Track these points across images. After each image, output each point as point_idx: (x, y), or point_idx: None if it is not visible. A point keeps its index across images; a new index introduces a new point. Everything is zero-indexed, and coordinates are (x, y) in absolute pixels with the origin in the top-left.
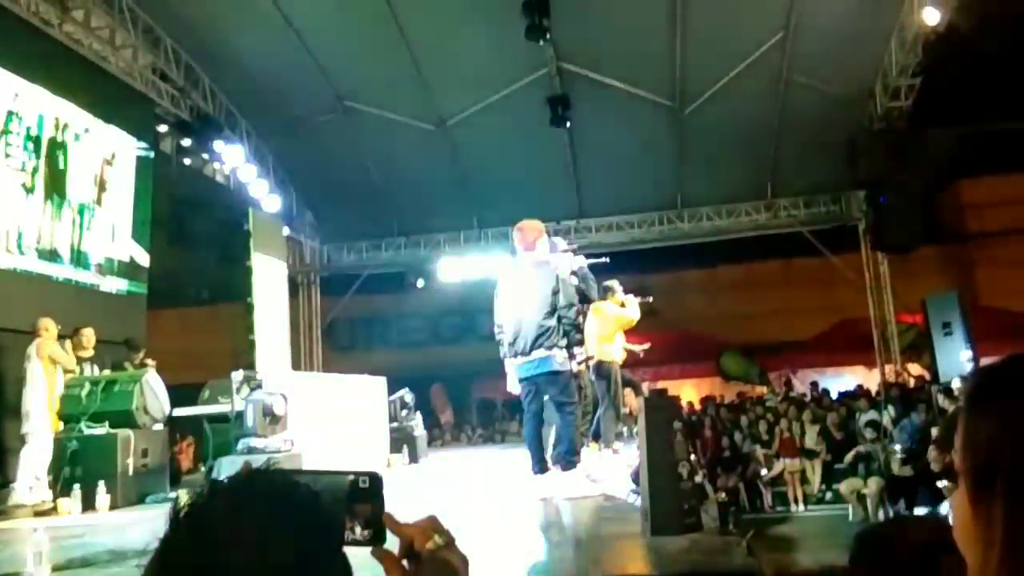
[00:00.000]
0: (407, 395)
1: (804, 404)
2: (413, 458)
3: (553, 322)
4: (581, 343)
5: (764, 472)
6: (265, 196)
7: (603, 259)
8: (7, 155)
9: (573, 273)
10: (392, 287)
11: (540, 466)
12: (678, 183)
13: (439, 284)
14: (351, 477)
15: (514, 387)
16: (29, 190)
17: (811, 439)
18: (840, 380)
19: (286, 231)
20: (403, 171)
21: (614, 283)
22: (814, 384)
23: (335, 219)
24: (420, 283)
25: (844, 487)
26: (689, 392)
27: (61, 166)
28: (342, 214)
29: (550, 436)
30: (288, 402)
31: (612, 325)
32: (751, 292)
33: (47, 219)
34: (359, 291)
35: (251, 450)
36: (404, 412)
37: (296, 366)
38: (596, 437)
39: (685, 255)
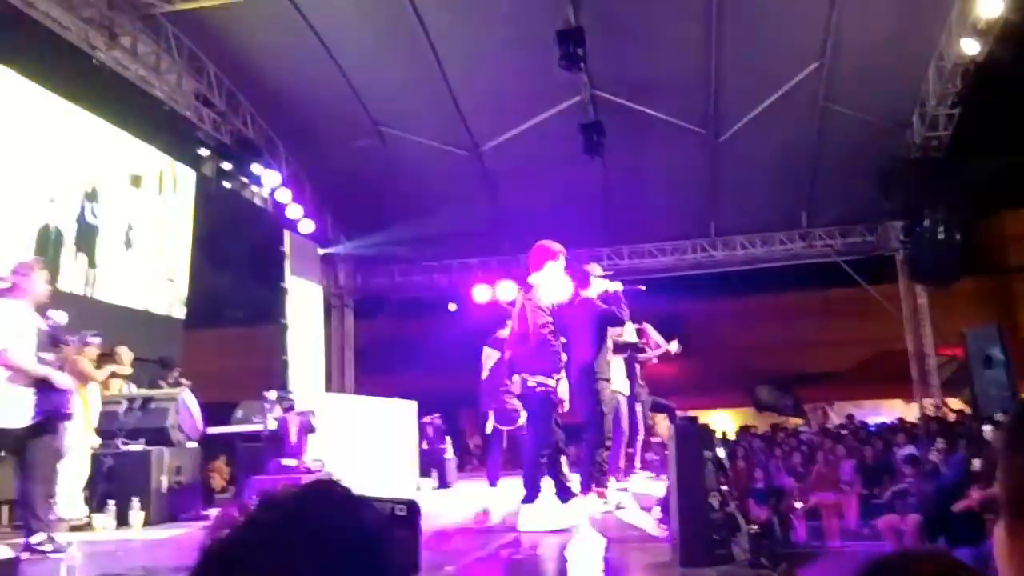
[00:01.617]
0: (437, 419)
1: (840, 437)
2: (443, 482)
3: (529, 346)
4: (557, 370)
5: (798, 505)
6: (301, 219)
7: (638, 288)
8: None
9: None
10: (425, 311)
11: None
12: (711, 211)
13: (471, 308)
14: (390, 505)
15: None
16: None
17: (847, 473)
18: (877, 413)
19: (321, 253)
20: (437, 196)
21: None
22: (850, 417)
23: (369, 244)
24: (453, 307)
25: (882, 523)
26: (723, 421)
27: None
28: (376, 239)
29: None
30: (320, 422)
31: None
32: (786, 322)
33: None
34: (393, 315)
35: (283, 470)
36: (434, 436)
37: (328, 387)
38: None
39: (719, 284)
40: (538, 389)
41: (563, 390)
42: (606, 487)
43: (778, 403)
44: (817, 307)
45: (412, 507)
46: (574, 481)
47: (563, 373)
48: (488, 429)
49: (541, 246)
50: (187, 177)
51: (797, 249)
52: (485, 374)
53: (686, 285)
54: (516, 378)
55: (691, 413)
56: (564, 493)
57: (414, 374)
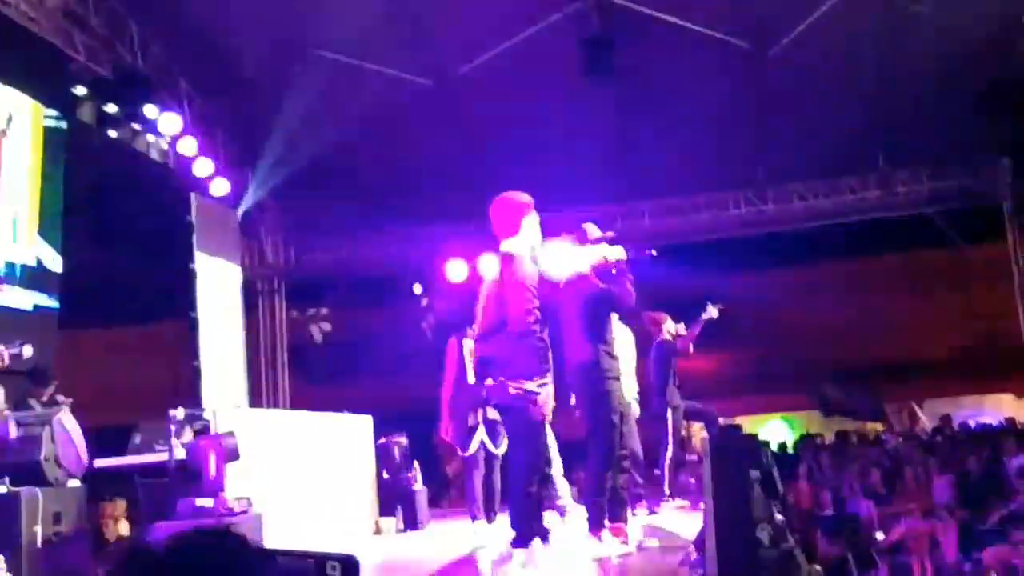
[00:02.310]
0: (401, 439)
1: (933, 445)
2: (411, 522)
3: (502, 342)
4: (542, 372)
5: (879, 536)
6: (212, 178)
7: (649, 253)
8: None
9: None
10: (380, 296)
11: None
12: (759, 152)
13: (444, 291)
14: (317, 561)
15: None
16: None
17: (943, 492)
18: (980, 413)
19: (240, 221)
20: (394, 142)
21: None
22: (946, 418)
23: (304, 209)
24: (419, 290)
25: (988, 556)
26: (779, 430)
27: None
28: (314, 201)
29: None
30: (245, 448)
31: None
32: (860, 297)
33: None
34: (338, 302)
35: (197, 513)
36: (398, 461)
37: (256, 401)
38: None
39: (770, 249)
40: (519, 396)
41: (548, 398)
42: (625, 521)
43: (851, 404)
44: (900, 276)
45: (348, 564)
46: (579, 515)
47: (550, 376)
48: (470, 448)
49: (506, 200)
50: (55, 124)
51: (872, 199)
52: (471, 377)
53: (727, 252)
54: (489, 382)
55: (735, 421)
56: (523, 529)
57: (369, 381)
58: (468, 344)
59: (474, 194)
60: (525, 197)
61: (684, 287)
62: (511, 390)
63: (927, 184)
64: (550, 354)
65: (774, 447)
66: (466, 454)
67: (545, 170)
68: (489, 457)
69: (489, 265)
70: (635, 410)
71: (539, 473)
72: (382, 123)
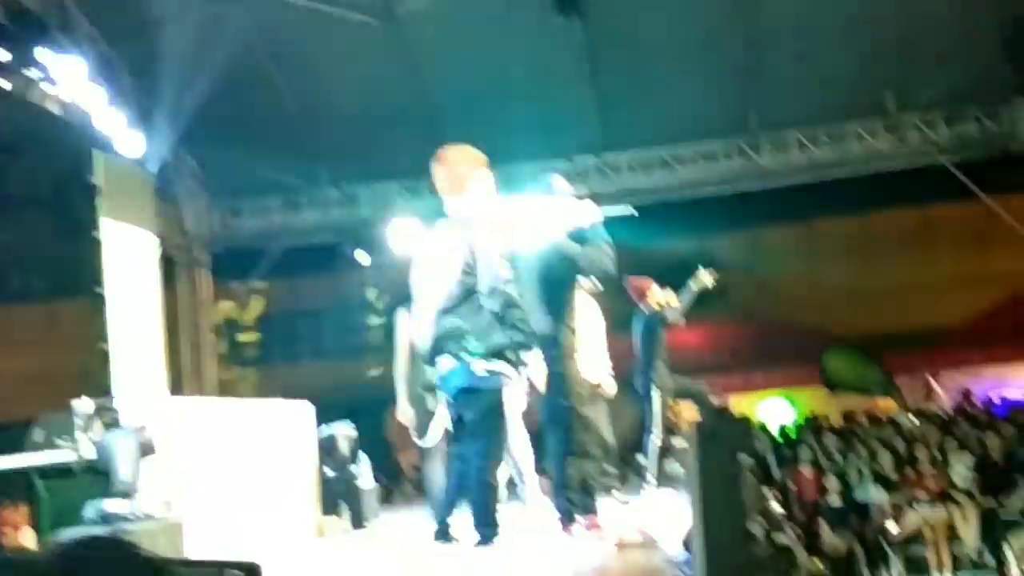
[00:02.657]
0: (347, 429)
1: (951, 423)
2: (357, 521)
3: (467, 315)
4: (524, 348)
5: (891, 527)
6: (121, 133)
7: (626, 211)
8: None
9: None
10: (321, 266)
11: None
12: (753, 95)
13: (393, 258)
14: (217, 570)
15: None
16: None
17: (962, 475)
18: (1005, 386)
19: (156, 184)
20: (332, 89)
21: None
22: (966, 393)
23: (231, 167)
24: (363, 257)
25: (1015, 545)
26: (778, 409)
27: None
28: (241, 159)
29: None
30: (163, 443)
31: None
32: (868, 258)
33: None
34: (271, 272)
35: (107, 518)
36: (344, 454)
37: (177, 389)
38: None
39: (766, 204)
40: (488, 378)
41: (535, 376)
42: (596, 514)
43: (859, 378)
44: (913, 234)
45: (250, 572)
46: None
47: (527, 354)
48: (427, 439)
49: (451, 156)
50: None
51: (882, 146)
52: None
53: (717, 210)
54: (445, 361)
55: (729, 400)
56: (487, 528)
57: (310, 363)
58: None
59: (427, 148)
60: (473, 152)
61: (670, 250)
62: (476, 369)
63: (943, 129)
64: (525, 327)
65: (773, 429)
66: (424, 443)
67: (507, 119)
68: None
69: (439, 230)
70: (608, 390)
71: (499, 463)
72: (320, 69)
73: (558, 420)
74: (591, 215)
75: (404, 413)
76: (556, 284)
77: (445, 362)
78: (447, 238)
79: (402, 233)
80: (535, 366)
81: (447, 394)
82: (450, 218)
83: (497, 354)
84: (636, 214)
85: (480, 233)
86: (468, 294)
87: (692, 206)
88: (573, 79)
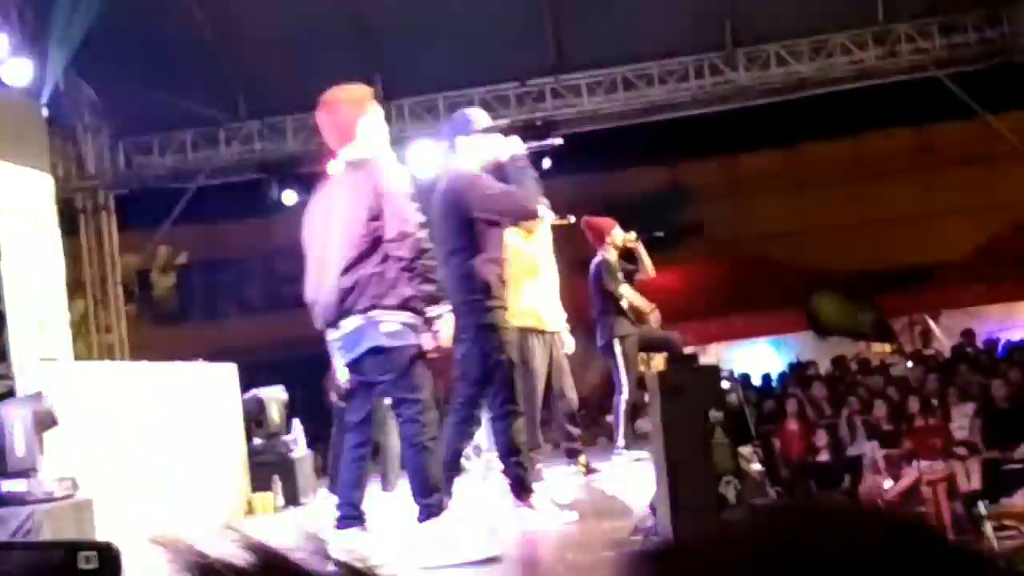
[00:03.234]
0: (276, 393)
1: (951, 368)
2: (291, 498)
3: (373, 267)
4: (435, 299)
5: (887, 484)
6: (4, 60)
7: (552, 142)
8: None
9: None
10: (244, 207)
11: (351, 513)
12: (726, 5)
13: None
14: (66, 552)
15: (343, 377)
16: None
17: (964, 425)
18: (1010, 327)
19: (47, 116)
20: (251, 6)
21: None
22: (967, 334)
23: (136, 97)
24: (290, 198)
25: (1021, 501)
26: (763, 357)
27: None
28: (148, 88)
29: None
30: (66, 412)
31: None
32: (858, 185)
33: None
34: (187, 217)
35: (2, 500)
36: (272, 421)
37: (82, 352)
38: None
39: (744, 128)
40: (405, 335)
41: (449, 330)
42: (529, 491)
43: (850, 321)
44: (907, 157)
45: (106, 553)
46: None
47: (445, 305)
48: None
49: (331, 103)
50: None
51: (870, 60)
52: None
53: (689, 134)
54: (354, 320)
55: (706, 350)
56: (427, 499)
57: (233, 319)
58: None
59: (361, 72)
60: (356, 90)
61: (638, 182)
62: (388, 327)
63: (938, 40)
64: (439, 275)
65: (756, 378)
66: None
67: (449, 38)
68: None
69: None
70: (567, 343)
71: (435, 424)
72: None
73: (491, 378)
74: (511, 149)
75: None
76: (477, 226)
77: (350, 322)
78: (345, 184)
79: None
80: (447, 319)
81: (352, 357)
82: (346, 163)
83: (408, 308)
84: (561, 143)
85: (383, 174)
86: (375, 243)
87: (660, 131)
88: None
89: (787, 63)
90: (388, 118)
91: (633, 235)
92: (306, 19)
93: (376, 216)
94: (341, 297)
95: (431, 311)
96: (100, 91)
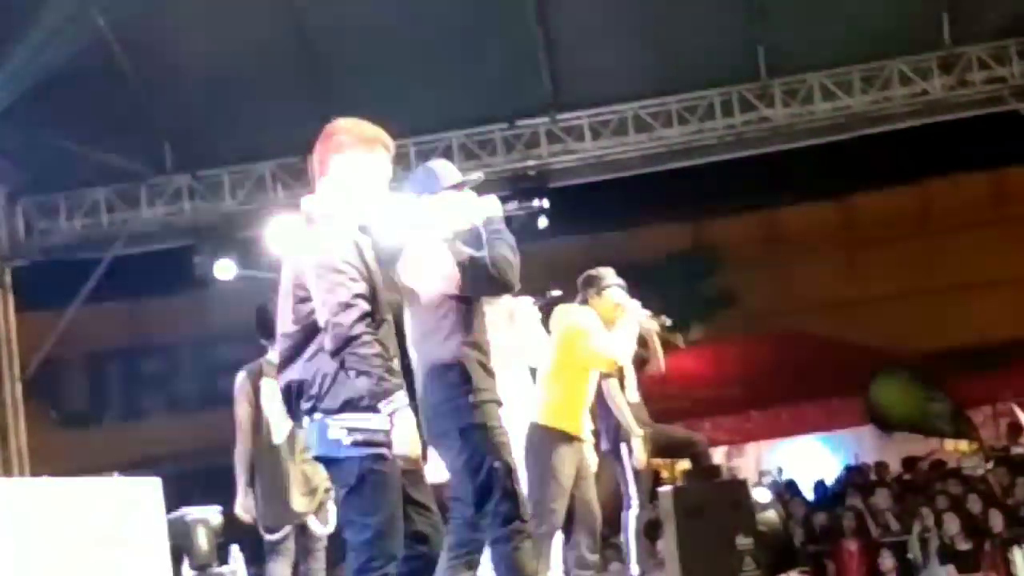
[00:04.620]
0: (209, 513)
1: None
2: None
3: (308, 361)
4: (382, 395)
5: None
6: None
7: (535, 203)
8: None
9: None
10: (171, 282)
11: None
12: (757, 31)
13: (272, 265)
14: None
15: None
16: None
17: None
18: None
19: None
20: (178, 42)
21: (605, 272)
22: None
23: (39, 149)
24: (226, 269)
25: None
26: (814, 458)
27: None
28: (53, 134)
29: None
30: None
31: (577, 359)
32: (925, 246)
33: None
34: (102, 295)
35: None
36: (204, 549)
37: None
38: None
39: (783, 174)
40: (352, 443)
41: (404, 434)
42: None
43: (919, 412)
44: (983, 208)
45: None
46: None
47: (402, 397)
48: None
49: (326, 133)
50: None
51: (935, 91)
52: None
53: (717, 183)
54: (307, 424)
55: (741, 450)
56: None
57: (158, 419)
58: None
59: (310, 117)
60: (356, 126)
61: (653, 244)
62: (333, 433)
63: (1017, 66)
64: (398, 364)
65: (805, 486)
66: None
67: (424, 75)
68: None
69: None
70: (590, 458)
71: (388, 561)
72: (154, 17)
73: (488, 491)
74: (485, 209)
75: (242, 505)
76: (436, 298)
77: (305, 428)
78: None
79: (285, 233)
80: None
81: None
82: (301, 217)
83: (356, 408)
84: (546, 206)
85: (314, 240)
86: (311, 332)
87: (681, 179)
88: (514, 18)
89: (834, 96)
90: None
91: (657, 323)
92: (245, 53)
93: (305, 296)
94: (285, 399)
95: (383, 408)
96: None
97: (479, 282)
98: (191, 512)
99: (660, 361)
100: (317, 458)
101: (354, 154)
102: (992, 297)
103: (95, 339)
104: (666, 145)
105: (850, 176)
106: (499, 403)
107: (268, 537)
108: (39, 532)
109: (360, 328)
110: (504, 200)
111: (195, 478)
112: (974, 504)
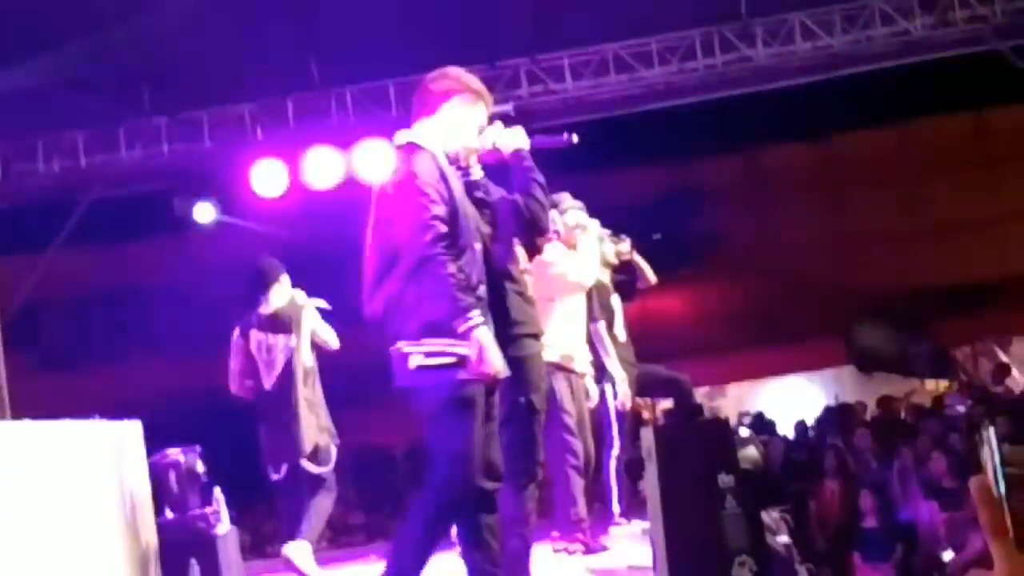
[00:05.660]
0: (192, 455)
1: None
2: None
3: (394, 284)
4: (458, 313)
5: (948, 555)
6: None
7: (566, 138)
8: None
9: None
10: (150, 225)
11: None
12: None
13: (251, 210)
14: None
15: None
16: None
17: None
18: None
19: None
20: None
21: (563, 196)
22: None
23: (13, 88)
24: (205, 213)
25: None
26: (793, 399)
27: None
28: (26, 78)
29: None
30: None
31: (546, 288)
32: (907, 186)
33: None
34: (80, 238)
35: None
36: (189, 491)
37: None
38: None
39: (765, 115)
40: (432, 366)
41: (483, 351)
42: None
43: (900, 352)
44: (965, 148)
45: None
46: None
47: (479, 314)
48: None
49: (435, 77)
50: None
51: (917, 30)
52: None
53: (699, 124)
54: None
55: (722, 391)
56: None
57: (137, 361)
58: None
59: (293, 55)
60: (468, 80)
61: (634, 185)
62: (415, 361)
63: (1000, 5)
64: (484, 291)
65: (786, 425)
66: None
67: (405, 12)
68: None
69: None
70: (591, 392)
71: (461, 498)
72: None
73: (514, 422)
74: (515, 141)
75: None
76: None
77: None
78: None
79: (265, 175)
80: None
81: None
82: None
83: (434, 332)
84: (575, 140)
85: (402, 159)
86: (392, 257)
87: (663, 122)
88: None
89: (815, 36)
90: (327, 109)
91: (626, 246)
92: None
93: (388, 221)
94: (372, 326)
95: (460, 327)
96: None
97: (523, 221)
98: (172, 454)
99: (649, 273)
100: (397, 389)
101: (461, 101)
102: (974, 238)
103: (75, 283)
104: (647, 86)
105: (831, 117)
106: (537, 336)
107: (271, 477)
108: (20, 475)
109: (436, 249)
110: (530, 134)
111: (173, 421)
112: (956, 443)
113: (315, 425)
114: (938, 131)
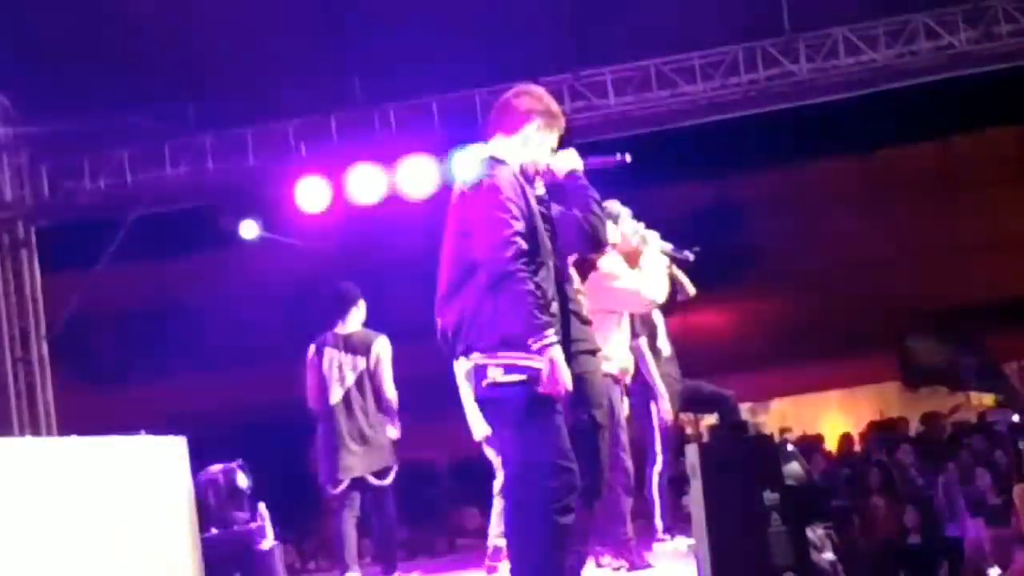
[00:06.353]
0: (236, 470)
1: None
2: None
3: (468, 298)
4: (533, 330)
5: (993, 572)
6: None
7: (618, 157)
8: None
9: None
10: (194, 241)
11: None
12: None
13: (294, 226)
14: None
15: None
16: None
17: None
18: None
19: None
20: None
21: (614, 204)
22: None
23: (60, 107)
24: (250, 229)
25: None
26: (839, 414)
27: None
28: (74, 95)
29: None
30: None
31: (608, 300)
32: (953, 200)
33: None
34: (126, 255)
35: None
36: (233, 506)
37: None
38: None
39: (809, 131)
40: (508, 382)
41: (557, 365)
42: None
43: (950, 364)
44: (1012, 162)
45: None
46: None
47: (554, 333)
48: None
49: (516, 95)
50: None
51: (961, 44)
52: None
53: (741, 139)
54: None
55: (765, 407)
56: None
57: (180, 378)
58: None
59: (335, 72)
60: (549, 102)
61: (676, 201)
62: (492, 375)
63: None
64: (557, 307)
65: (831, 441)
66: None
67: (447, 28)
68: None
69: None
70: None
71: (567, 497)
72: None
73: (578, 439)
74: (568, 163)
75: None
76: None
77: (460, 365)
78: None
79: (310, 192)
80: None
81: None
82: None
83: (510, 346)
84: (628, 160)
85: (481, 172)
86: (470, 269)
87: (705, 136)
88: None
89: (858, 51)
90: (369, 126)
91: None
92: (268, 8)
93: (468, 233)
94: (442, 338)
95: (534, 344)
96: (16, 101)
97: (572, 240)
98: (216, 470)
99: (688, 284)
100: (477, 401)
101: (540, 124)
102: (1019, 251)
103: (121, 299)
104: (690, 101)
105: (875, 131)
106: (594, 352)
107: (328, 492)
108: (66, 491)
109: (516, 265)
110: (583, 155)
111: (219, 437)
112: (1001, 458)
113: (381, 443)
114: (984, 144)
